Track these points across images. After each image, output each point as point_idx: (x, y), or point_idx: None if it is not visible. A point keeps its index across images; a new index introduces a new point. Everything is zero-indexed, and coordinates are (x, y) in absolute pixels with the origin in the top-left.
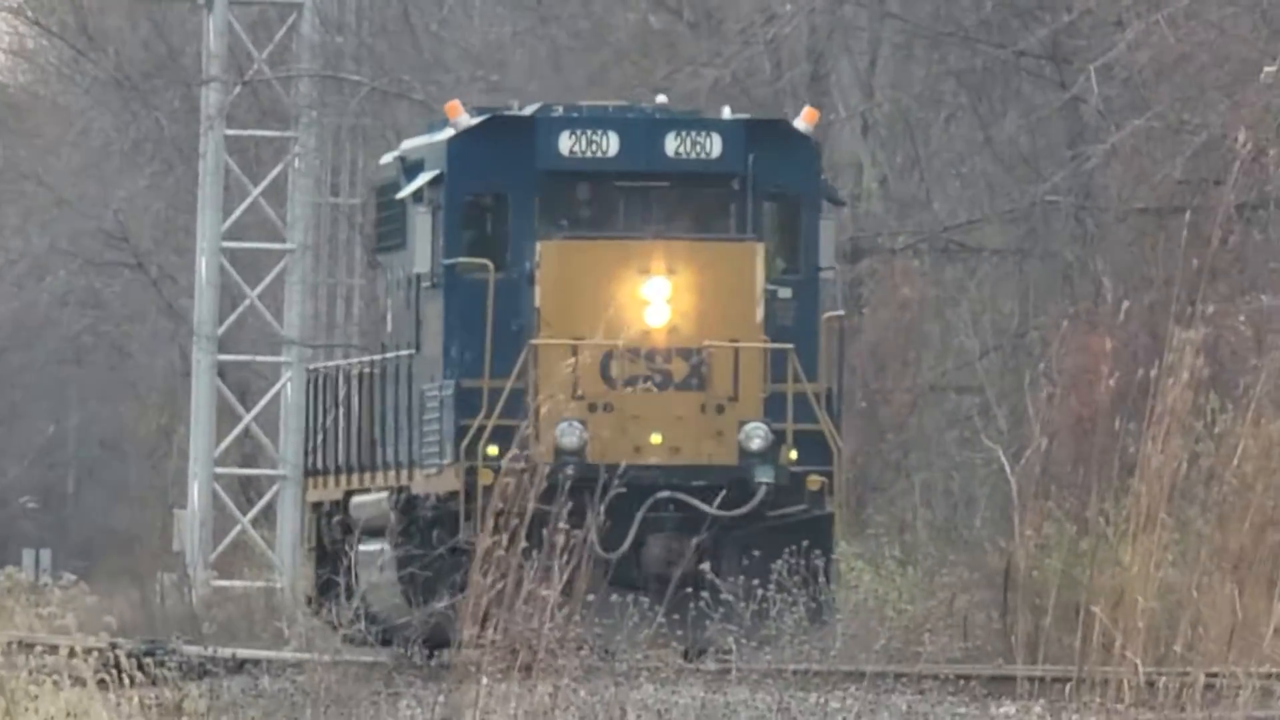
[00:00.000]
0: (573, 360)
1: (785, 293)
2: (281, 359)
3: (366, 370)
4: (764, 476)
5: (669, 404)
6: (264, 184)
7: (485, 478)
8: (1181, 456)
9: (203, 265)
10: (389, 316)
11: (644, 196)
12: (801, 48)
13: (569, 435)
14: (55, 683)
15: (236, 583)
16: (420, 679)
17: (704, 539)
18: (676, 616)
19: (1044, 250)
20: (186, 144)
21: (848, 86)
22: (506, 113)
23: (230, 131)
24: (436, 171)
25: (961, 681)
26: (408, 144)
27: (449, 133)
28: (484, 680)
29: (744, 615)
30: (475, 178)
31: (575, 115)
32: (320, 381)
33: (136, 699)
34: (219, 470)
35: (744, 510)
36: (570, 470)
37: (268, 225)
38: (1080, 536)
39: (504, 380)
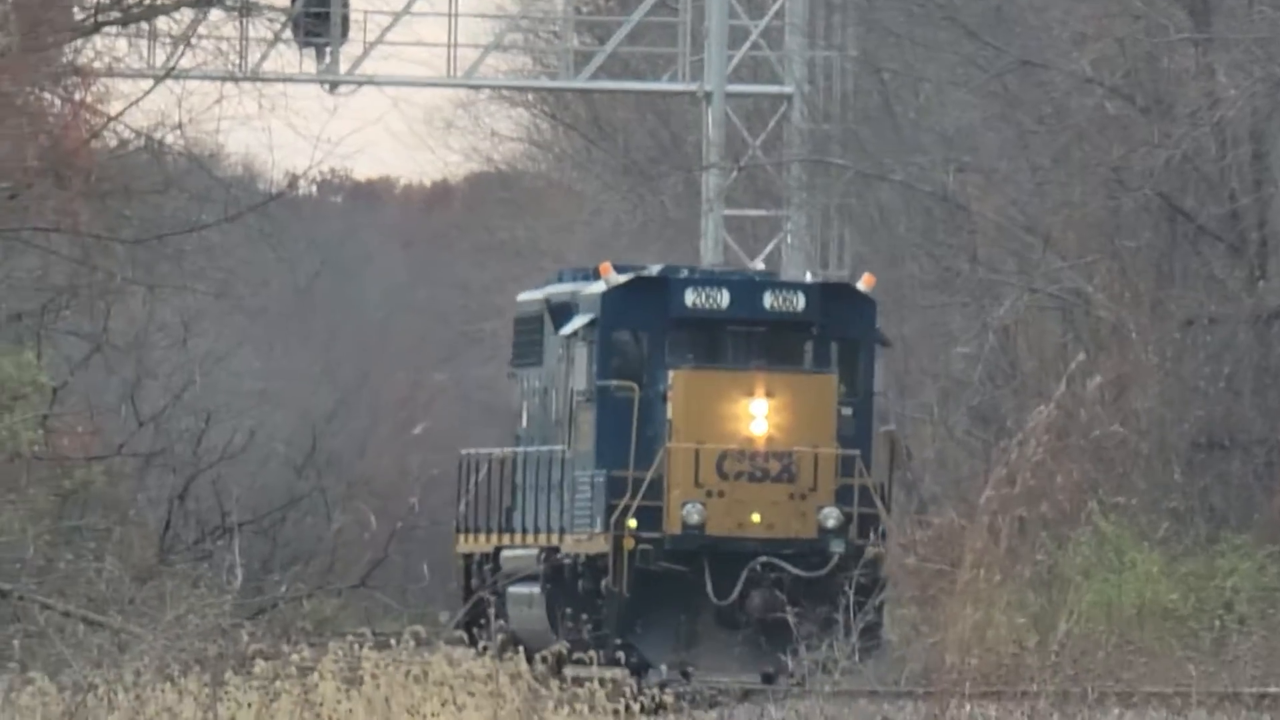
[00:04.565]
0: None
1: (847, 411)
2: None
3: (509, 457)
4: (837, 547)
5: (766, 492)
6: (759, 259)
7: (628, 544)
8: None
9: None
10: (524, 416)
11: (747, 338)
12: (1244, 129)
13: (693, 514)
14: (573, 708)
15: None
16: (908, 704)
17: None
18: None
19: None
20: (689, 223)
21: None
22: (645, 273)
23: (728, 212)
24: (592, 316)
25: None
26: (551, 289)
27: (602, 286)
28: (966, 706)
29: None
30: (622, 321)
31: (697, 276)
32: (468, 463)
33: None
34: None
35: (822, 572)
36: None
37: None
38: None
39: (643, 472)
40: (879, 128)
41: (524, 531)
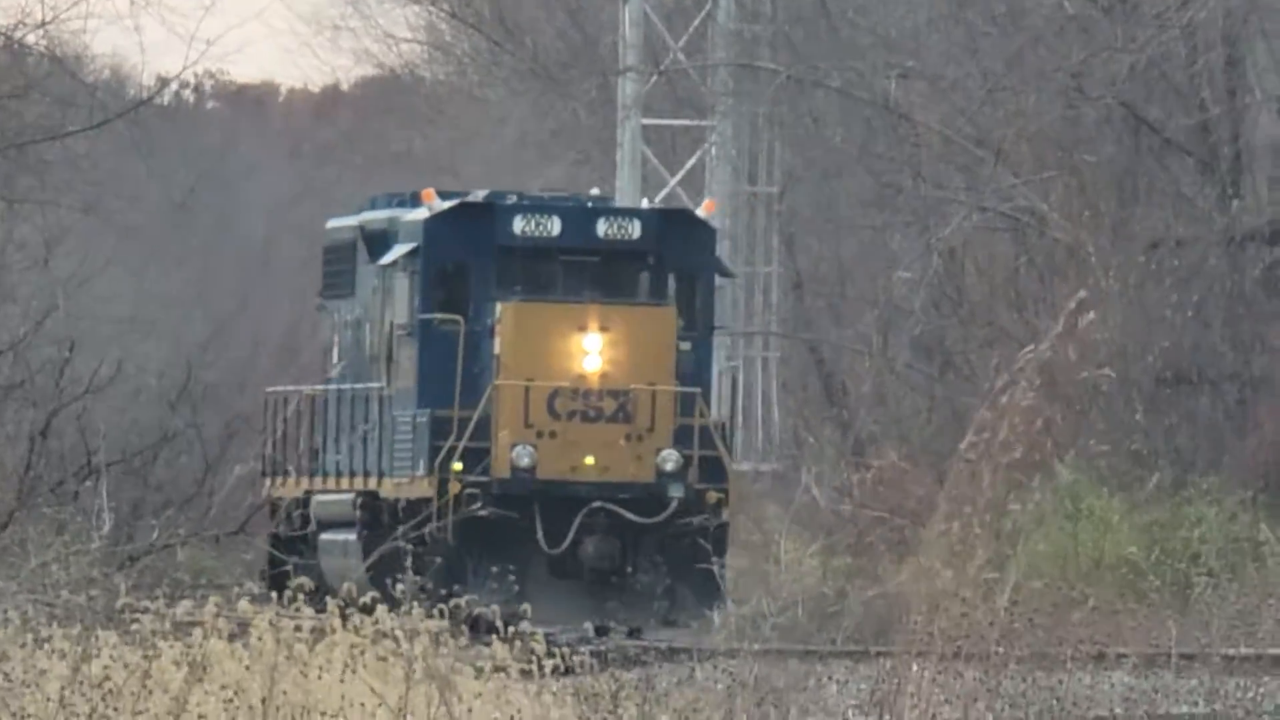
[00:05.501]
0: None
1: (685, 346)
2: None
3: (319, 395)
4: (675, 492)
5: (601, 433)
6: (681, 173)
7: (454, 488)
8: None
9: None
10: (335, 351)
11: (580, 268)
12: (1217, 32)
13: (523, 456)
14: (479, 670)
15: None
16: (848, 664)
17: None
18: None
19: None
20: (603, 134)
21: (1264, 70)
22: (470, 199)
23: (647, 121)
24: (414, 244)
25: None
26: (365, 215)
27: (424, 213)
28: (914, 667)
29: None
30: (446, 250)
31: (526, 203)
32: (275, 401)
33: (559, 686)
34: None
35: (660, 518)
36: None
37: None
38: None
39: (469, 411)
40: (813, 29)
41: (338, 475)
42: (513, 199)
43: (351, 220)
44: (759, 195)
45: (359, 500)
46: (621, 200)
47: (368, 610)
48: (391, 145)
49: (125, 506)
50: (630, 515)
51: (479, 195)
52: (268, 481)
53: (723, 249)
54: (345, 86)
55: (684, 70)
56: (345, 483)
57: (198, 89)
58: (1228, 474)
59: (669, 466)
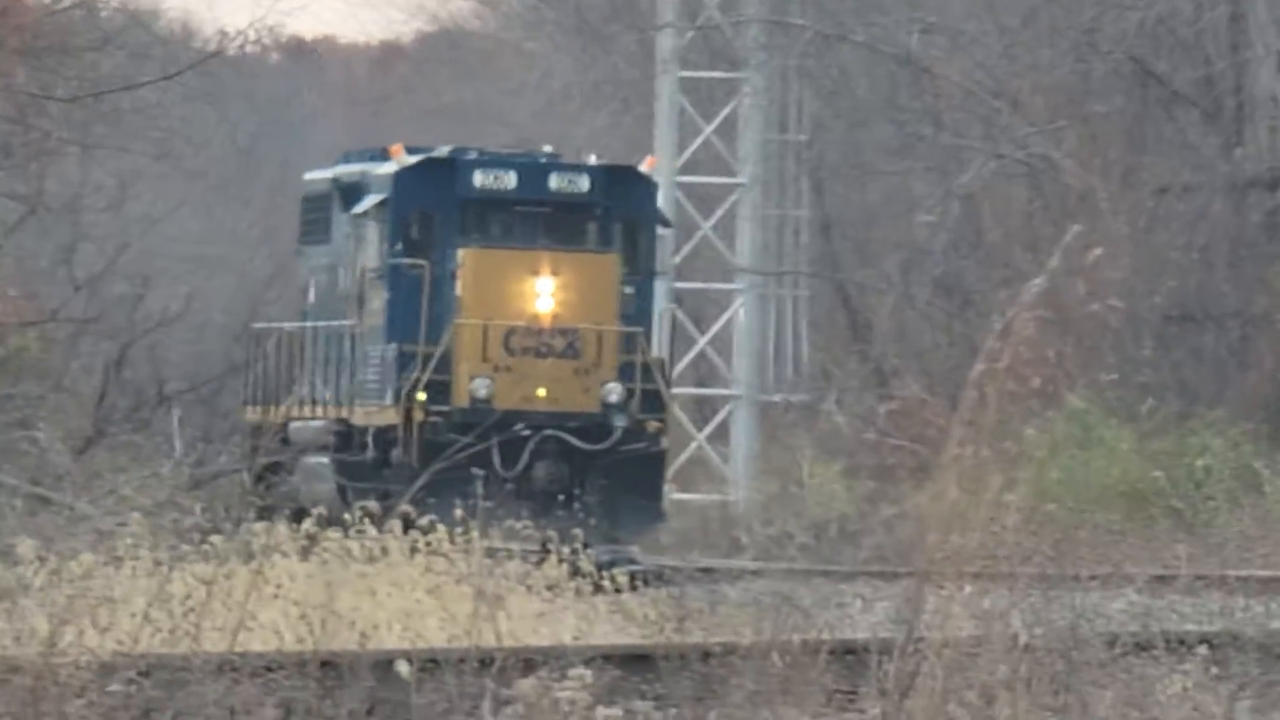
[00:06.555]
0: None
1: (629, 290)
2: (734, 286)
3: (296, 331)
4: (619, 421)
5: (551, 368)
6: (716, 122)
7: (418, 415)
8: None
9: (659, 199)
10: (311, 292)
11: (534, 218)
12: None
13: (481, 388)
14: (529, 589)
15: (694, 496)
16: (873, 583)
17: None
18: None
19: None
20: (642, 86)
21: (1264, 25)
22: (434, 155)
23: (683, 73)
24: (384, 195)
25: None
26: (340, 169)
27: (394, 167)
28: (945, 588)
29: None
30: (412, 201)
31: (485, 158)
32: (257, 336)
33: (602, 606)
34: (676, 391)
35: (605, 445)
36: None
37: (719, 161)
38: None
39: (433, 347)
40: None
41: (313, 404)
42: (473, 154)
43: (327, 173)
44: (789, 143)
45: (332, 426)
46: (660, 148)
47: (425, 531)
48: (443, 96)
49: (194, 433)
50: (578, 442)
51: (443, 151)
52: (249, 409)
53: (756, 194)
54: (404, 41)
55: (719, 26)
56: (320, 411)
57: (260, 41)
58: (1230, 406)
59: (613, 398)
